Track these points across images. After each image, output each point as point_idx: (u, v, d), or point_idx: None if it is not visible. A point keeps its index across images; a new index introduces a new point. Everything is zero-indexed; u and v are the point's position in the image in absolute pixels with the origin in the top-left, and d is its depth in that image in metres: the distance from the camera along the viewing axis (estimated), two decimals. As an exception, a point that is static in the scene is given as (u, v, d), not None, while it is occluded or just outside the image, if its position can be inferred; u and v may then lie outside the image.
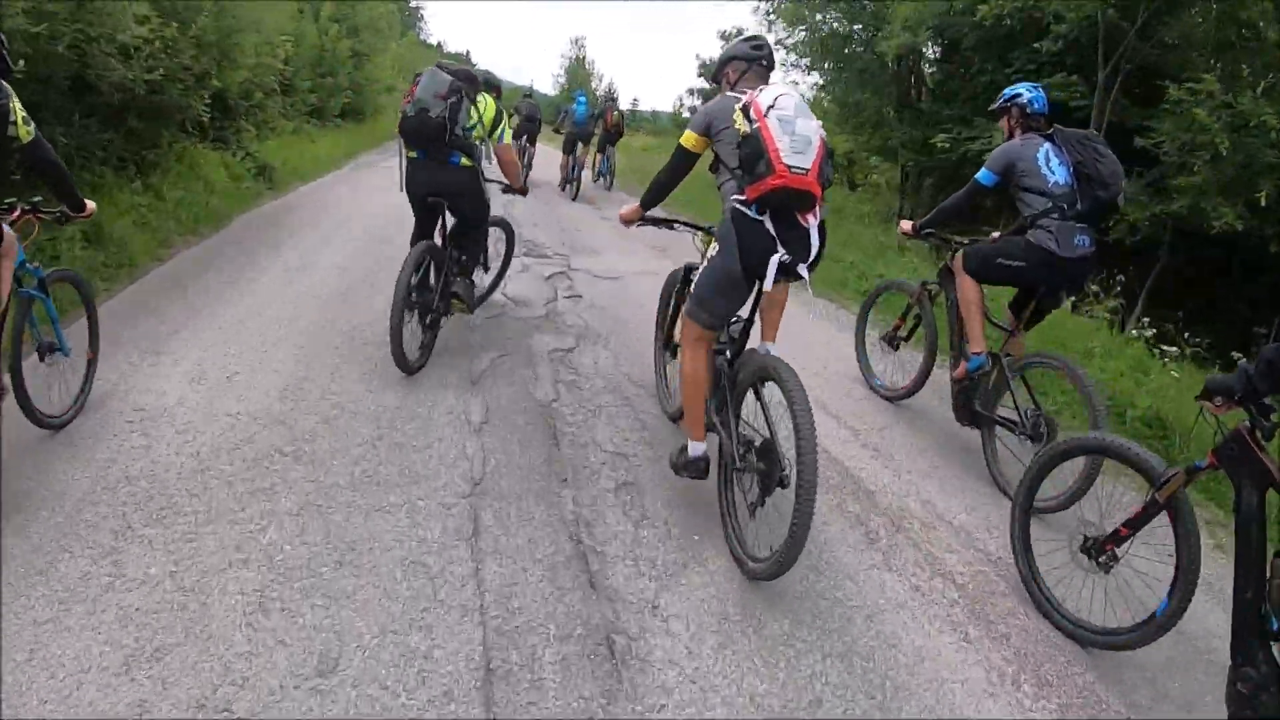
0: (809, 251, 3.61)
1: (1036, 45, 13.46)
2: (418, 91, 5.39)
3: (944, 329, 5.66)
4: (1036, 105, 5.09)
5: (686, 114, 55.58)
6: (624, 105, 63.65)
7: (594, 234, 12.64)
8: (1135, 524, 3.29)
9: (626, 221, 4.48)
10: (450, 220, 6.00)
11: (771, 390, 3.62)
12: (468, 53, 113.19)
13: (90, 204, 4.44)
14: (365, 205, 12.78)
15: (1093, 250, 4.82)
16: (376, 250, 9.33)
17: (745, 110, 3.49)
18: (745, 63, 4.17)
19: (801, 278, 3.63)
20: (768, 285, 3.55)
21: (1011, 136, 5.13)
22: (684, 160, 4.14)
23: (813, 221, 3.63)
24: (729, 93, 4.10)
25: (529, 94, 19.79)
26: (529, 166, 16.77)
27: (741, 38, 4.28)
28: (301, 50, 18.93)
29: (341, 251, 9.29)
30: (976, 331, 5.09)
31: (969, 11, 14.53)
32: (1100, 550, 3.46)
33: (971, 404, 5.18)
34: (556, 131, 19.56)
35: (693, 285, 4.01)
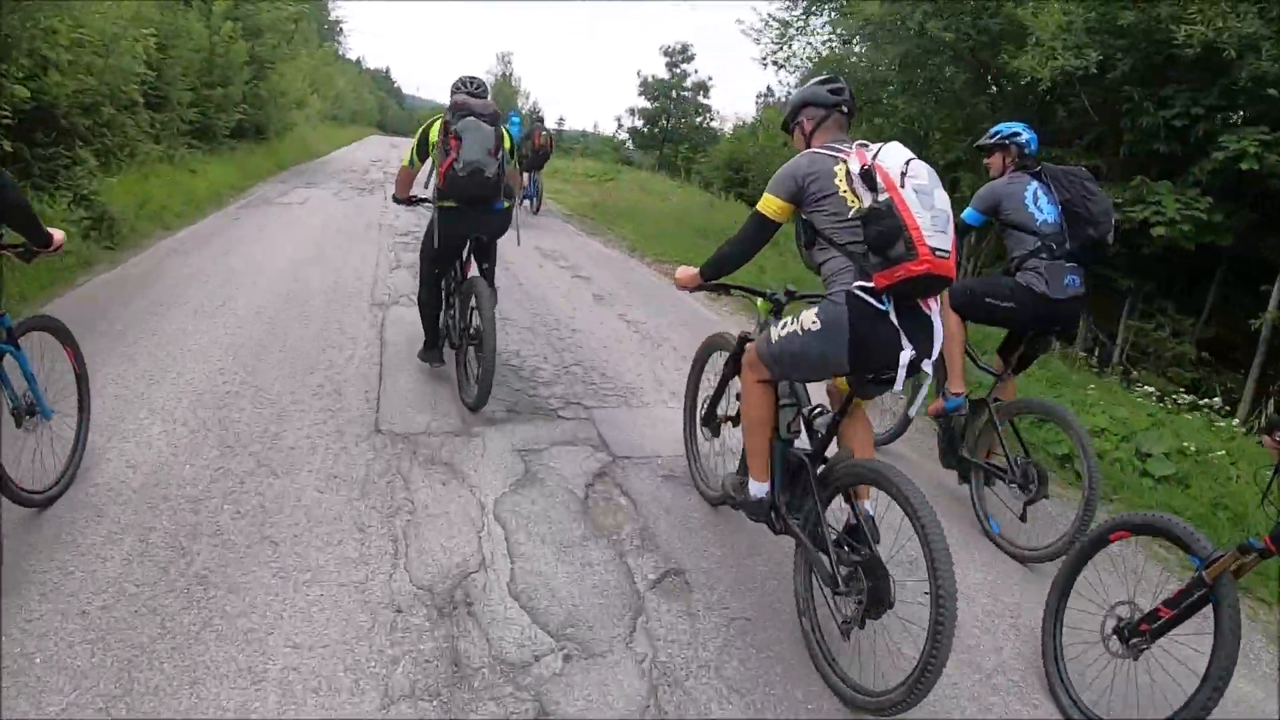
0: (933, 344, 3.24)
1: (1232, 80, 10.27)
2: (464, 150, 5.34)
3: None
4: (1033, 146, 5.10)
5: (625, 135, 51.88)
6: (550, 125, 61.59)
7: (529, 268, 11.48)
8: (1176, 604, 3.07)
9: (683, 287, 4.00)
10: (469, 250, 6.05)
11: (875, 498, 3.37)
12: (387, 69, 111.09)
13: (58, 234, 3.93)
14: (261, 266, 9.63)
15: (1083, 291, 4.82)
16: (271, 381, 6.07)
17: (866, 177, 3.11)
18: (823, 110, 3.60)
19: (926, 375, 3.29)
20: (897, 386, 3.24)
21: (1001, 175, 5.10)
22: (762, 231, 3.54)
23: (934, 307, 3.26)
24: (816, 148, 3.45)
25: None
26: None
27: (816, 80, 3.75)
28: (178, 52, 15.29)
29: (182, 403, 5.52)
30: (957, 369, 5.00)
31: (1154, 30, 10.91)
32: (1135, 632, 3.21)
33: (957, 448, 5.09)
34: None
35: (770, 340, 3.52)
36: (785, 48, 18.70)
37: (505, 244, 6.22)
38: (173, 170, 13.89)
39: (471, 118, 5.40)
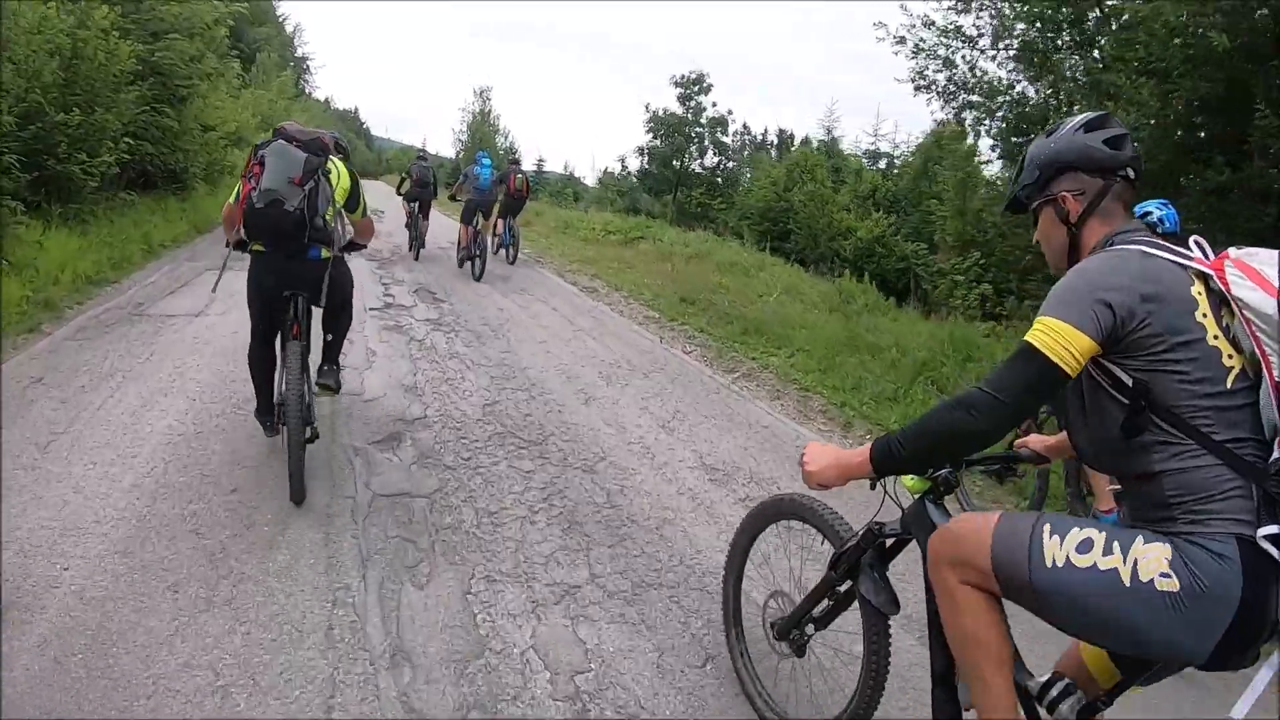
0: None
1: None
2: (265, 176, 4.60)
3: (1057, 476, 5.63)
4: (1169, 224, 3.89)
5: (624, 176, 45.59)
6: (528, 165, 57.36)
7: (521, 328, 9.81)
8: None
9: (820, 483, 2.53)
10: (303, 307, 5.07)
11: None
12: (355, 109, 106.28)
13: None
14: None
15: None
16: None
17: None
18: (1100, 177, 2.28)
19: None
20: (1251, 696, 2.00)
21: None
22: (1040, 384, 2.06)
23: None
24: (1130, 244, 2.16)
25: (422, 155, 18.31)
26: (421, 241, 15.77)
27: (1076, 125, 2.35)
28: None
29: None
30: (1102, 489, 4.68)
31: None
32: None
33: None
34: (452, 199, 17.97)
35: (1041, 560, 2.11)
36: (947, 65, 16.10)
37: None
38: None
39: (281, 142, 4.73)
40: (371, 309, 9.78)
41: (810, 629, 2.96)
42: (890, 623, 2.70)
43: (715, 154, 43.27)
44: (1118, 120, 2.34)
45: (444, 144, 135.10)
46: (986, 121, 18.09)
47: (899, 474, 2.42)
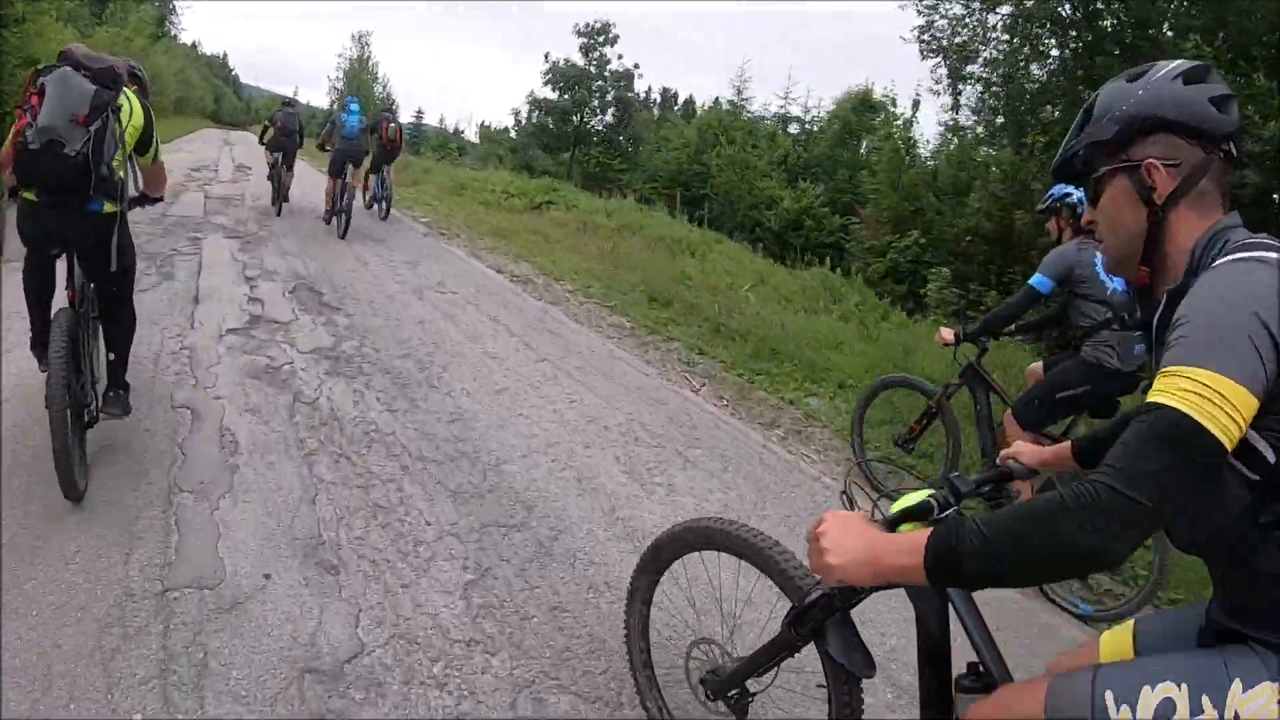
0: None
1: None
2: (44, 111, 3.82)
3: (968, 436, 5.57)
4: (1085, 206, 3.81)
5: (513, 134, 41.88)
6: (406, 118, 54.60)
7: (461, 361, 6.61)
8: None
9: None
10: (79, 274, 4.32)
11: None
12: (224, 55, 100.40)
13: None
14: None
15: (1147, 357, 3.32)
16: None
17: None
18: (1201, 146, 1.70)
19: None
20: None
21: (1060, 238, 5.00)
22: (1204, 470, 1.41)
23: None
24: (1267, 250, 1.54)
25: (289, 102, 16.17)
26: (284, 194, 14.36)
27: (1173, 71, 1.76)
28: None
29: None
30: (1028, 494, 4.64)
31: None
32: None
33: None
34: (321, 149, 15.06)
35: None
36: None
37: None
38: None
39: (65, 69, 3.96)
40: (231, 330, 6.43)
41: (754, 686, 2.48)
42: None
43: (617, 111, 39.62)
44: (1219, 75, 1.71)
45: (321, 94, 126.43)
46: (979, 89, 17.48)
47: (967, 588, 1.94)
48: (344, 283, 8.70)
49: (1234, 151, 1.70)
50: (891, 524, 1.91)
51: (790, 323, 9.60)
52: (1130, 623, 1.98)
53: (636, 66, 40.05)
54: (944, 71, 17.52)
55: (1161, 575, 4.59)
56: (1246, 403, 1.37)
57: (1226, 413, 1.36)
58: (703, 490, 4.76)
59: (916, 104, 27.42)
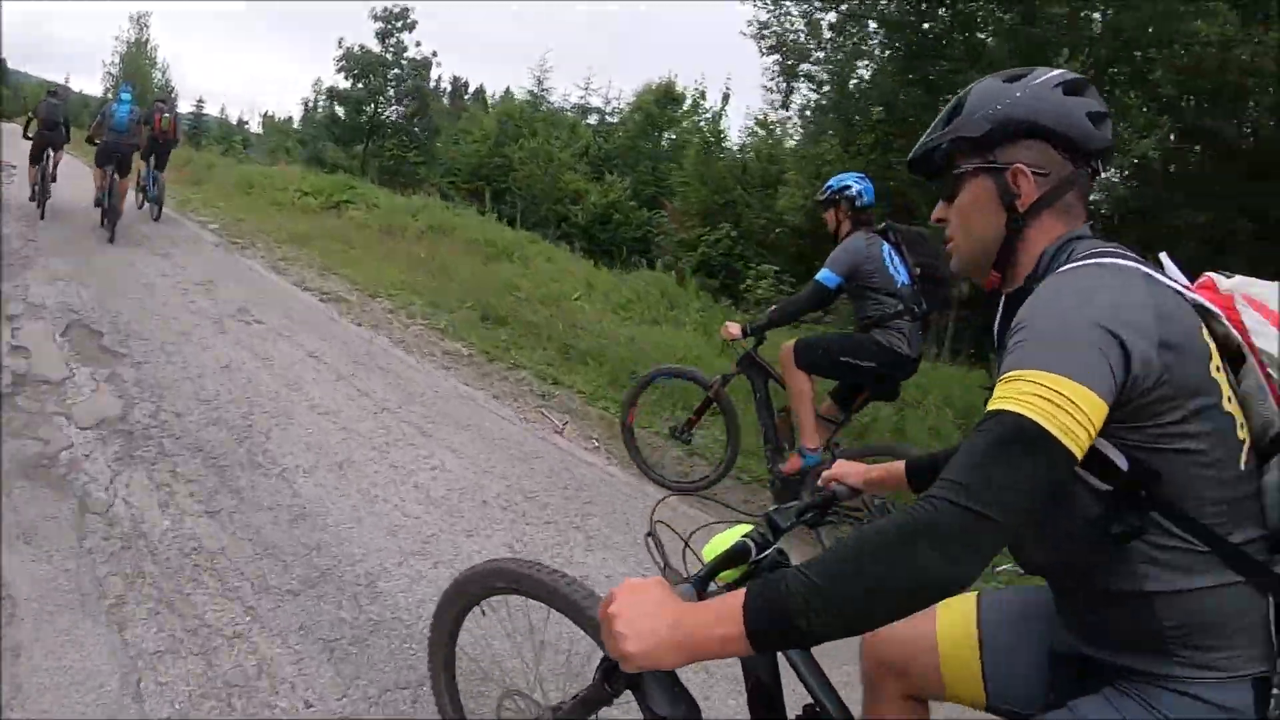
0: None
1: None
2: None
3: (749, 425, 5.57)
4: (867, 197, 5.11)
5: (298, 125, 39.49)
6: (186, 108, 49.10)
7: (284, 419, 5.38)
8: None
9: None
10: None
11: None
12: None
13: None
14: None
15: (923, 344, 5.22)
16: None
17: None
18: (1071, 160, 1.67)
19: None
20: None
21: (839, 230, 5.10)
22: (1054, 481, 1.30)
23: None
24: (1131, 261, 1.52)
25: (53, 91, 15.20)
26: (46, 192, 12.82)
27: (1052, 79, 1.70)
28: None
29: None
30: (810, 426, 4.96)
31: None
32: None
33: (799, 497, 4.79)
34: (90, 142, 13.34)
35: None
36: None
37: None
38: None
39: None
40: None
41: None
42: None
43: (414, 100, 37.25)
44: (1095, 90, 1.70)
45: (94, 80, 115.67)
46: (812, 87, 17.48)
47: (804, 647, 1.78)
48: (128, 316, 7.20)
49: (1100, 169, 1.71)
50: (704, 579, 1.68)
51: (639, 337, 8.84)
52: (972, 596, 1.89)
53: (435, 54, 38.06)
54: (779, 68, 17.34)
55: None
56: (1095, 408, 1.28)
57: (1074, 418, 1.27)
58: (620, 576, 3.77)
59: (726, 98, 27.67)
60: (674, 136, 33.83)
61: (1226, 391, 1.43)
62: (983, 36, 13.78)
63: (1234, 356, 1.49)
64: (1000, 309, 1.66)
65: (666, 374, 6.07)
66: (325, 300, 9.14)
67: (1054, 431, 1.24)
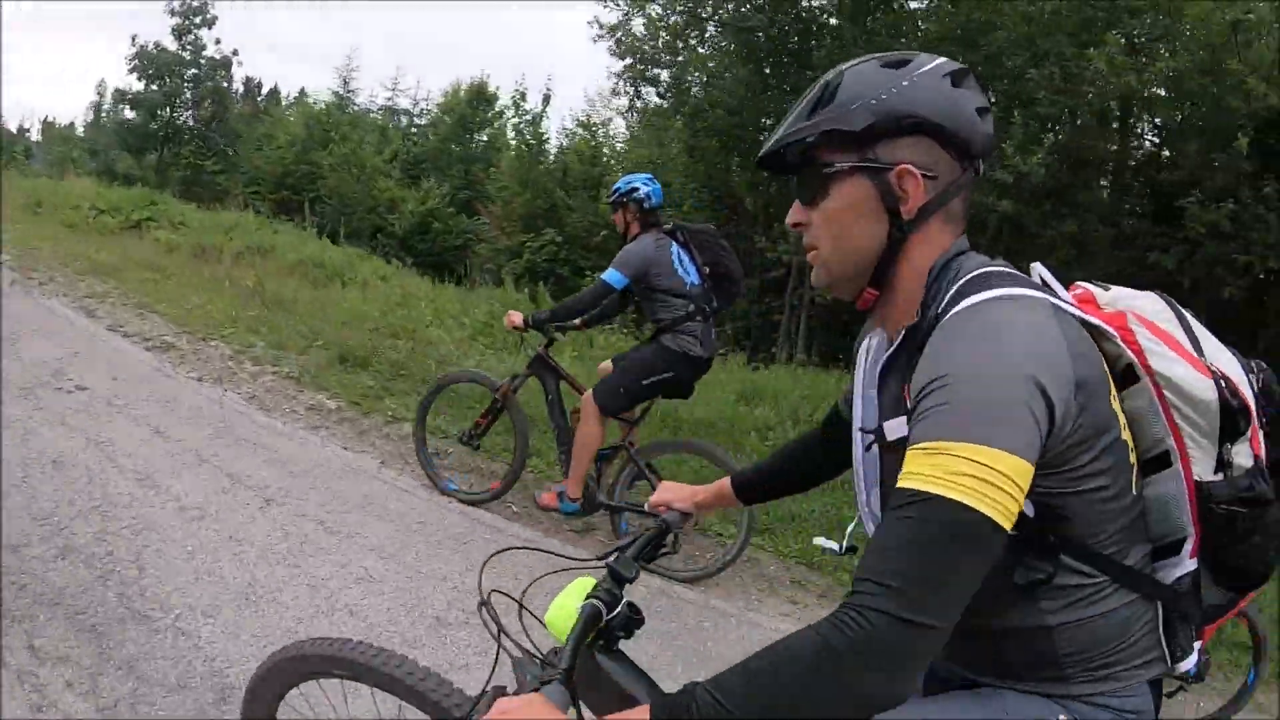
0: None
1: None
2: None
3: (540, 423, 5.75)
4: (655, 199, 5.12)
5: (81, 132, 36.24)
6: None
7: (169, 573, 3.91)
8: None
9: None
10: None
11: None
12: None
13: None
14: None
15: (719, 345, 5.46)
16: None
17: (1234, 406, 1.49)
18: (959, 160, 1.50)
19: None
20: None
21: (628, 231, 5.12)
22: (986, 565, 1.18)
23: None
24: (1022, 288, 1.39)
25: None
26: None
27: (939, 69, 1.48)
28: None
29: None
30: (580, 476, 5.01)
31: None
32: None
33: (594, 499, 5.07)
34: None
35: None
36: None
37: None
38: None
39: None
40: None
41: None
42: None
43: (212, 103, 34.02)
44: (975, 80, 1.51)
45: None
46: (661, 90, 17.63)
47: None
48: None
49: (980, 170, 1.53)
50: (568, 670, 1.45)
51: (519, 368, 8.07)
52: None
53: (235, 53, 34.95)
54: (626, 71, 17.81)
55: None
56: (1025, 475, 1.18)
57: (1010, 495, 1.16)
58: None
59: (547, 99, 26.80)
60: (485, 139, 32.99)
61: (1122, 420, 1.39)
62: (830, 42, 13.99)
63: (1121, 375, 1.43)
64: (896, 343, 1.48)
65: (457, 379, 6.06)
66: (151, 349, 7.81)
67: (994, 517, 1.14)
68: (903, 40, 12.91)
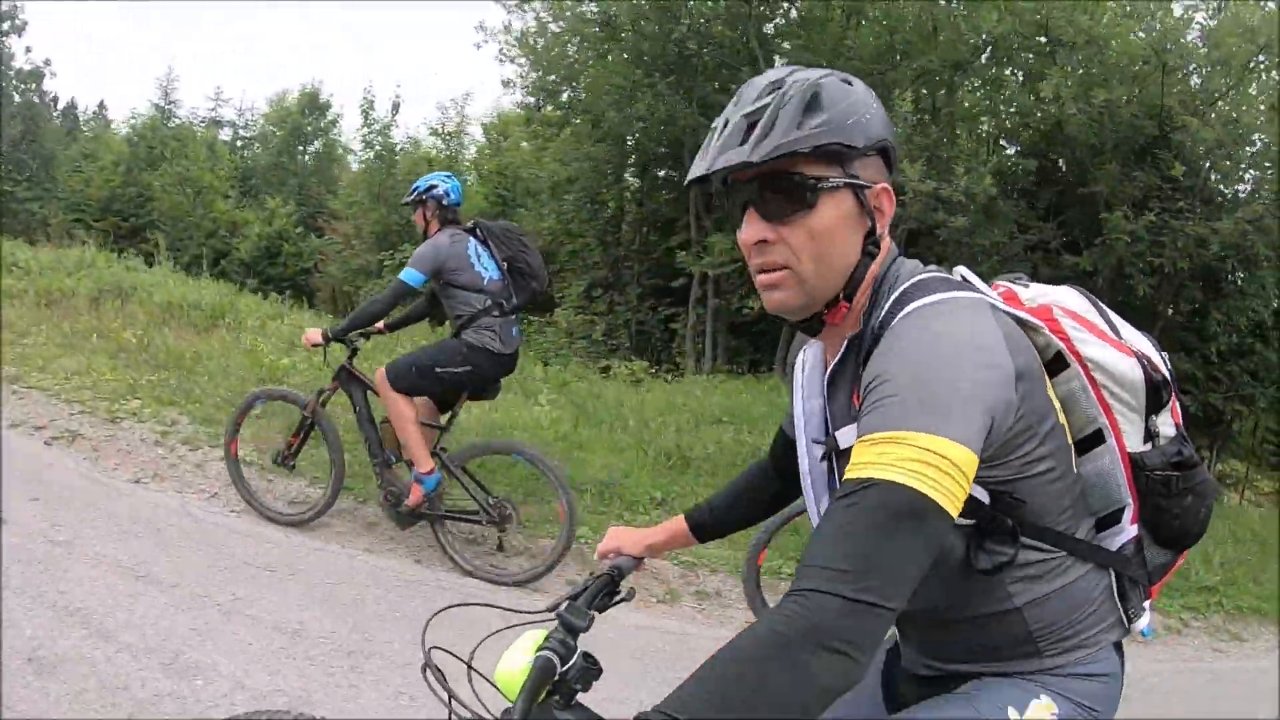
0: None
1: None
2: None
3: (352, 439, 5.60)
4: (454, 196, 5.21)
5: None
6: None
7: None
8: None
9: None
10: None
11: None
12: None
13: None
14: None
15: (522, 339, 5.54)
16: None
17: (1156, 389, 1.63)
18: (888, 174, 1.62)
19: None
20: None
21: (428, 229, 5.18)
22: (932, 552, 1.23)
23: None
24: (962, 289, 1.50)
25: None
26: None
27: (866, 88, 1.56)
28: None
29: None
30: (421, 450, 4.96)
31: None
32: None
33: (407, 515, 5.11)
34: None
35: None
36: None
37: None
38: None
39: None
40: None
41: None
42: None
43: (24, 120, 30.05)
44: None
45: None
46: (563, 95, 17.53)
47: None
48: None
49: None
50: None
51: (487, 421, 7.62)
52: None
53: (48, 63, 31.69)
54: (528, 76, 17.95)
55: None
56: (971, 465, 1.24)
57: (956, 481, 1.20)
58: None
59: (396, 107, 25.28)
60: (317, 148, 31.39)
61: (1057, 405, 1.48)
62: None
63: (1051, 363, 1.52)
64: (841, 352, 1.53)
65: (264, 397, 5.84)
66: (52, 442, 6.31)
67: (940, 501, 1.17)
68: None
